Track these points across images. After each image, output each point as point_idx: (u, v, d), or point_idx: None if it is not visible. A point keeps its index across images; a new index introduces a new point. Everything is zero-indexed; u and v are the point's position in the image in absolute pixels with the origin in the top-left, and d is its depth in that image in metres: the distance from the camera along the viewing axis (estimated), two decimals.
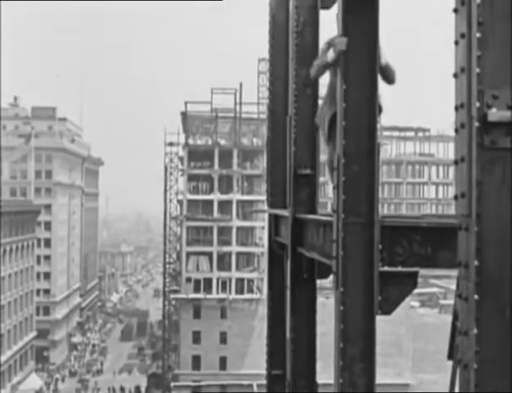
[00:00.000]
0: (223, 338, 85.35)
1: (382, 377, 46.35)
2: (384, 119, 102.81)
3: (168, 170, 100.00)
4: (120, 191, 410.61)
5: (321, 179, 8.72)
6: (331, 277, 6.55)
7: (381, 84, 6.46)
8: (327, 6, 8.74)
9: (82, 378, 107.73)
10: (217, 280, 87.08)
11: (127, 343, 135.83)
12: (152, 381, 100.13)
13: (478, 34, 4.18)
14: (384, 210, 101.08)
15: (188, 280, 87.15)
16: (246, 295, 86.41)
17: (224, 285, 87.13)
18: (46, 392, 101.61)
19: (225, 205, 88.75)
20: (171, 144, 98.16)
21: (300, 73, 8.35)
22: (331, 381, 6.34)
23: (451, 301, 76.08)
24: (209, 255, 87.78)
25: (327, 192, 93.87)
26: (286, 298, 8.97)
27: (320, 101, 8.76)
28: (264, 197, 11.45)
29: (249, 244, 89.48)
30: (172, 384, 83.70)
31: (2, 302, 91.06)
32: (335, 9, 6.83)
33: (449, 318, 6.50)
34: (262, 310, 72.38)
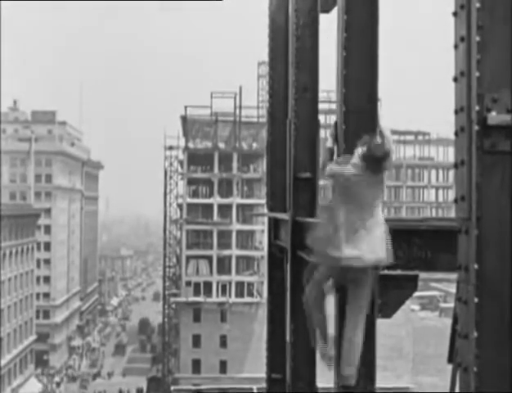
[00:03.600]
0: (223, 342, 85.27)
1: (382, 380, 46.31)
2: (384, 123, 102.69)
3: (167, 174, 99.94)
4: (120, 195, 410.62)
5: (321, 183, 8.66)
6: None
7: (381, 83, 6.45)
8: (327, 10, 8.75)
9: None
10: (217, 283, 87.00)
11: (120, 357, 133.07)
12: (152, 385, 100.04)
13: (477, 38, 4.19)
14: (383, 213, 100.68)
15: (188, 283, 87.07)
16: (246, 299, 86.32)
17: (224, 288, 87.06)
18: None
19: (225, 209, 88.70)
20: (171, 148, 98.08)
21: (300, 77, 8.33)
22: (331, 384, 6.34)
23: (451, 304, 76.05)
24: (209, 258, 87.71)
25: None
26: (286, 302, 8.96)
27: (319, 106, 8.75)
28: (264, 201, 11.44)
29: (248, 247, 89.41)
30: (172, 388, 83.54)
31: (2, 306, 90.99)
32: (335, 12, 6.84)
33: (449, 321, 6.50)
34: (262, 314, 72.28)
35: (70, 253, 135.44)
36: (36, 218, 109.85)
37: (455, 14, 4.57)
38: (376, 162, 5.88)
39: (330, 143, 6.41)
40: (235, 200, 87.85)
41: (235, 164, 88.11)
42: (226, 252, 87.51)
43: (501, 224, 4.18)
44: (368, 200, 5.92)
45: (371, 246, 5.85)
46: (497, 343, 4.18)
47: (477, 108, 4.20)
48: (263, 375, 10.47)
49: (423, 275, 6.10)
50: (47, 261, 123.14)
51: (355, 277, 6.00)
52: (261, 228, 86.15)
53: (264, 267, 67.98)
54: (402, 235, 6.10)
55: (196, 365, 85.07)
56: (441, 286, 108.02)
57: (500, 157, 4.17)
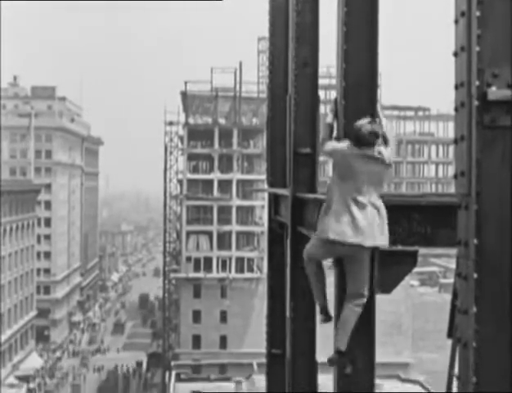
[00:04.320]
0: (223, 317, 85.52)
1: (382, 356, 46.46)
2: (384, 99, 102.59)
3: (168, 150, 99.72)
4: (120, 171, 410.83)
5: (321, 158, 8.65)
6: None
7: (381, 65, 6.43)
8: None
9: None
10: (217, 259, 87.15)
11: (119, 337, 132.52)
12: (152, 361, 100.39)
13: (477, 13, 4.17)
14: (383, 189, 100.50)
15: (188, 259, 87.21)
16: (246, 274, 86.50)
17: (224, 264, 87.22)
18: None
19: (225, 185, 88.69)
20: (171, 123, 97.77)
21: (300, 52, 8.29)
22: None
23: (450, 280, 76.21)
24: (209, 234, 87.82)
25: (327, 171, 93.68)
26: (286, 277, 8.96)
27: (319, 81, 8.72)
28: (264, 176, 11.44)
29: (249, 223, 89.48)
30: (172, 363, 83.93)
31: (2, 281, 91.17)
32: None
33: (449, 296, 6.51)
34: (262, 289, 72.45)
35: (71, 229, 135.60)
36: (36, 193, 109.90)
37: None
38: (363, 139, 5.91)
39: (329, 119, 6.40)
40: (236, 175, 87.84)
41: (235, 140, 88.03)
42: (226, 228, 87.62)
43: (501, 199, 4.18)
44: (363, 177, 5.93)
45: (361, 224, 5.88)
46: (497, 318, 4.19)
47: (477, 83, 4.19)
48: (263, 350, 10.51)
49: (422, 251, 6.10)
50: (48, 237, 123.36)
51: (347, 253, 6.04)
52: (261, 203, 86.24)
53: (264, 242, 68.09)
54: (402, 210, 6.09)
55: (196, 340, 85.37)
56: (440, 261, 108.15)
57: (500, 132, 4.16)
